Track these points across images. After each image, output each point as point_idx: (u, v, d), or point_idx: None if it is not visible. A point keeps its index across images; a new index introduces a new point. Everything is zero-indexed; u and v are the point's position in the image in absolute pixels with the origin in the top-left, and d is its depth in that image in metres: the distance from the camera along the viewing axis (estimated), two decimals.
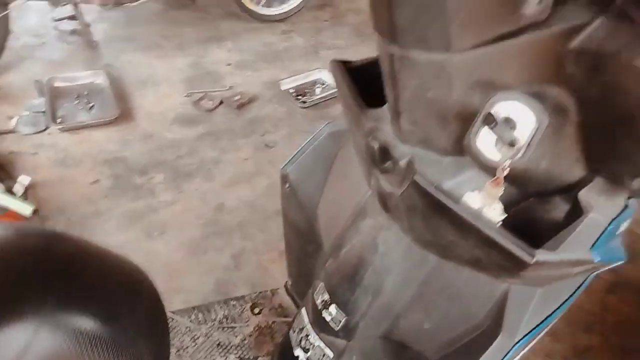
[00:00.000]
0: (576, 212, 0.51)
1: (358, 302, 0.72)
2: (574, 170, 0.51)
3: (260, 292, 1.49)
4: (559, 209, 0.55)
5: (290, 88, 2.46)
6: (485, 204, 0.52)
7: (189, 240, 1.71)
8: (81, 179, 1.90)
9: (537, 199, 0.56)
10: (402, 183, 0.57)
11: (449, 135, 0.54)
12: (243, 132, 2.20)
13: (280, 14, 2.97)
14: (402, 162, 0.57)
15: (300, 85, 2.50)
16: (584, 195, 0.51)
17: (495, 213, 0.51)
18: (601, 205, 0.51)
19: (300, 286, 1.07)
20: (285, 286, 1.17)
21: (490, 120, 0.48)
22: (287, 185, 0.93)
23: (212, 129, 2.19)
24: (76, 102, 2.20)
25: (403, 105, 0.54)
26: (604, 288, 1.76)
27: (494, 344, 0.56)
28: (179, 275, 1.58)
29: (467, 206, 0.53)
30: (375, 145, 0.60)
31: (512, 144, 0.48)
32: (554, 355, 1.50)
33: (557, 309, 0.61)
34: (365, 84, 0.67)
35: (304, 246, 0.96)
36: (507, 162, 0.47)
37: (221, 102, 2.33)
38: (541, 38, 0.43)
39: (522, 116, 0.47)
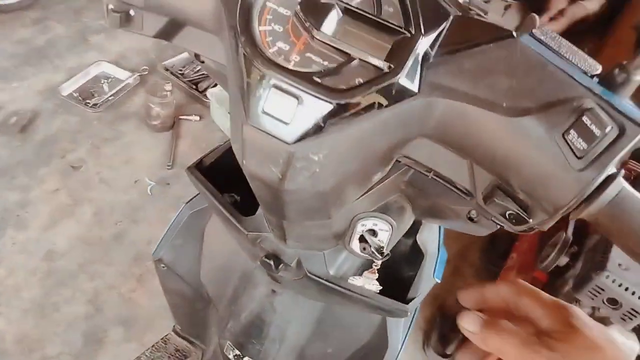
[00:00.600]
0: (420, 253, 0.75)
1: (267, 350, 0.87)
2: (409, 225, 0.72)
3: (153, 346, 1.51)
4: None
5: (73, 92, 2.24)
6: (365, 283, 0.71)
7: (33, 304, 1.59)
8: None
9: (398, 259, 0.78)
10: (294, 276, 0.72)
11: (328, 245, 0.69)
12: (39, 160, 1.97)
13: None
14: (293, 264, 0.71)
15: (83, 85, 2.28)
16: (419, 239, 0.75)
17: (374, 287, 0.70)
18: (431, 240, 0.76)
19: (193, 329, 1.16)
20: (175, 330, 1.25)
21: (361, 238, 0.65)
22: (162, 266, 0.98)
23: None
24: None
25: (288, 236, 0.67)
26: None
27: (386, 355, 0.80)
28: (39, 345, 1.49)
29: (352, 285, 0.72)
30: (263, 254, 0.72)
31: (378, 248, 0.66)
32: None
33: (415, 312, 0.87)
34: (219, 171, 0.76)
35: (192, 304, 1.05)
36: (379, 262, 0.66)
37: None
38: (387, 183, 0.60)
39: (380, 226, 0.65)
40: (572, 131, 0.39)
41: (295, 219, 0.61)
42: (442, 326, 1.79)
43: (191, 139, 2.20)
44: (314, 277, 0.70)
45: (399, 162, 0.58)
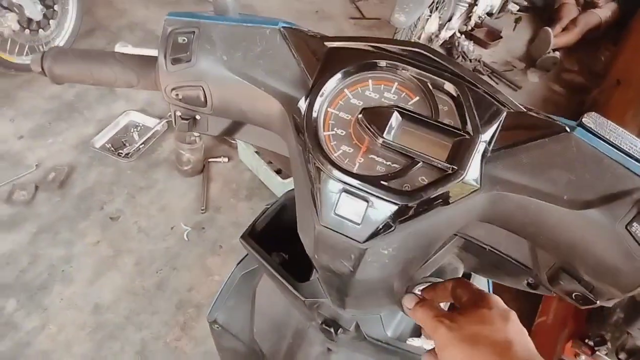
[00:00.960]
0: None
1: None
2: None
3: None
4: None
5: (105, 143, 2.32)
6: (423, 343, 0.73)
7: (83, 358, 1.63)
8: None
9: None
10: (352, 339, 0.74)
11: (385, 309, 0.72)
12: (79, 214, 2.05)
13: None
14: (351, 328, 0.74)
15: (115, 136, 2.36)
16: None
17: (431, 346, 0.73)
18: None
19: None
20: None
21: None
22: (217, 327, 1.01)
23: (42, 223, 1.99)
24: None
25: (347, 304, 0.70)
26: None
27: None
28: None
29: (411, 345, 0.73)
30: (321, 319, 0.75)
31: None
32: None
33: None
34: (269, 232, 0.79)
35: (246, 357, 1.08)
36: None
37: (37, 188, 2.09)
38: (442, 252, 0.63)
39: None
40: (635, 224, 0.42)
41: (359, 296, 0.64)
42: None
43: (222, 181, 2.25)
44: (372, 339, 0.72)
45: (456, 235, 0.60)
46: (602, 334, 1.36)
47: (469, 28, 3.20)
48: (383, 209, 0.45)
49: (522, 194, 0.45)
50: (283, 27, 0.55)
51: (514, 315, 0.48)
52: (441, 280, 0.64)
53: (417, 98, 0.48)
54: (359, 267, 0.48)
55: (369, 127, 0.46)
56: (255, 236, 0.82)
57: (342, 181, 0.46)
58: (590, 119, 0.47)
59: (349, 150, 0.48)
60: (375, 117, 0.46)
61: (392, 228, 0.45)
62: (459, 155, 0.44)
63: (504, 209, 0.47)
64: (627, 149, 0.45)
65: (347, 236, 0.47)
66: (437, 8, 2.71)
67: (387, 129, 0.46)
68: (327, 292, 0.68)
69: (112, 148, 2.30)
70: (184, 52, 0.54)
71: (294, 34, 0.54)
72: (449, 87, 0.47)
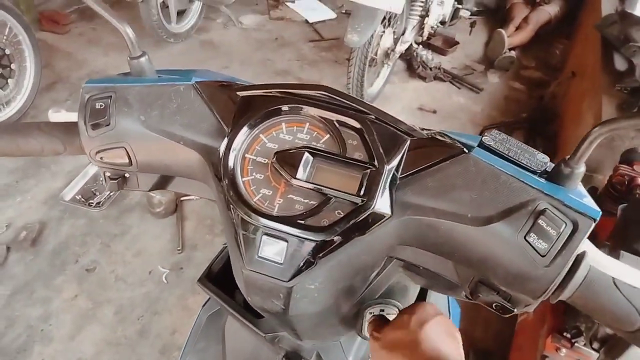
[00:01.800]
0: None
1: None
2: None
3: None
4: None
5: (75, 195, 2.30)
6: None
7: None
8: None
9: None
10: None
11: (341, 336, 0.73)
12: (54, 269, 2.02)
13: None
14: (312, 358, 0.75)
15: (84, 186, 2.35)
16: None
17: None
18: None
19: None
20: None
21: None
22: None
23: (16, 283, 1.96)
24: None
25: (302, 335, 0.71)
26: None
27: None
28: None
29: None
30: (283, 353, 0.76)
31: None
32: None
33: None
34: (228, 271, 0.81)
35: None
36: None
37: (9, 249, 2.07)
38: (385, 272, 0.64)
39: (387, 310, 0.68)
40: (532, 234, 0.44)
41: (309, 329, 0.65)
42: None
43: (196, 219, 2.25)
44: None
45: (392, 257, 0.62)
46: (577, 325, 1.38)
47: (424, 38, 3.28)
48: (302, 246, 0.47)
49: (431, 217, 0.47)
50: (196, 82, 0.57)
51: (437, 318, 0.52)
52: (391, 300, 0.65)
53: (327, 136, 0.51)
54: (289, 305, 0.50)
55: (282, 169, 0.48)
56: (212, 278, 0.83)
57: (261, 225, 0.48)
58: (491, 137, 0.50)
59: (268, 192, 0.50)
60: (288, 159, 0.49)
61: (314, 264, 0.47)
62: (367, 187, 0.47)
63: (418, 232, 0.49)
64: (524, 163, 0.48)
65: (272, 277, 0.48)
66: (389, 24, 2.78)
67: (300, 169, 0.48)
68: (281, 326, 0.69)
69: (83, 199, 2.29)
70: (102, 117, 0.56)
71: (207, 87, 0.57)
72: (353, 122, 0.50)
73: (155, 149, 0.57)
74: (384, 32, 2.75)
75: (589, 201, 0.45)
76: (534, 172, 0.47)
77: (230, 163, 0.51)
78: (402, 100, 3.26)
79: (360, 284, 0.60)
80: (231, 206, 0.50)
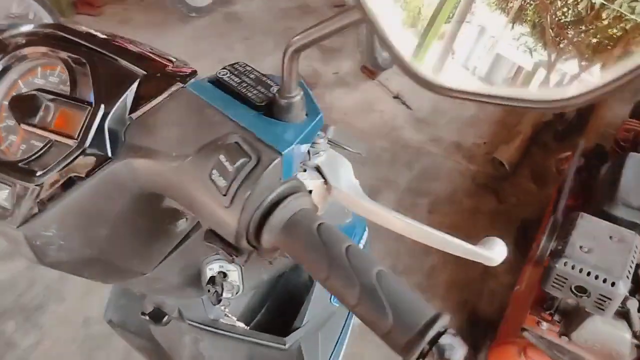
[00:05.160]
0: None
1: None
2: None
3: None
4: None
5: None
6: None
7: None
8: None
9: None
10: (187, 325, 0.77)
11: (190, 293, 0.73)
12: None
13: None
14: (174, 314, 0.76)
15: None
16: None
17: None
18: None
19: None
20: None
21: (210, 280, 0.67)
22: (115, 327, 1.05)
23: None
24: None
25: (145, 290, 0.72)
26: (425, 211, 2.16)
27: None
28: None
29: (224, 324, 0.75)
30: (151, 308, 0.78)
31: (231, 288, 0.68)
32: None
33: (340, 336, 0.87)
34: None
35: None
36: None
37: None
38: None
39: (227, 267, 0.67)
40: (214, 171, 0.40)
41: (148, 287, 0.65)
42: (472, 335, 1.72)
43: None
44: (192, 322, 0.74)
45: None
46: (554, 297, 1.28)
47: None
48: (27, 192, 0.46)
49: (145, 158, 0.45)
50: None
51: None
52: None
53: (64, 76, 0.49)
54: (36, 252, 0.50)
55: (16, 113, 0.48)
56: None
57: None
58: (229, 69, 0.47)
59: (14, 138, 0.50)
60: (22, 103, 0.48)
61: (37, 209, 0.47)
62: (85, 128, 0.45)
63: (145, 176, 0.47)
64: (249, 96, 0.44)
65: (3, 223, 0.48)
66: None
67: (34, 112, 0.47)
68: None
69: None
70: None
71: None
72: (81, 59, 0.48)
73: None
74: None
75: (292, 135, 0.41)
76: (254, 107, 0.44)
77: None
78: None
79: (150, 237, 0.58)
80: None
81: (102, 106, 0.45)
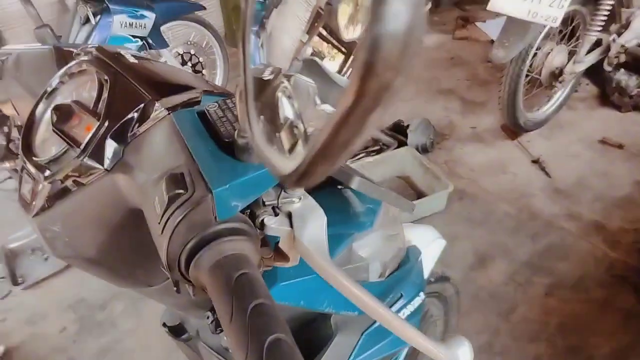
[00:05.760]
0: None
1: None
2: None
3: None
4: None
5: None
6: None
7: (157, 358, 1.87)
8: (50, 331, 2.07)
9: None
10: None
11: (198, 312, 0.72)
12: None
13: None
14: (193, 333, 0.76)
15: None
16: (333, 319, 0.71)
17: None
18: None
19: None
20: None
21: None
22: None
23: None
24: (32, 257, 2.39)
25: (164, 303, 0.73)
26: (541, 292, 1.90)
27: None
28: None
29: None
30: (175, 322, 0.79)
31: None
32: None
33: None
34: None
35: None
36: None
37: None
38: None
39: None
40: (156, 198, 0.43)
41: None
42: None
43: None
44: (205, 346, 0.73)
45: None
46: None
47: (612, 60, 2.73)
48: (42, 188, 0.51)
49: (129, 175, 0.48)
50: (55, 46, 0.67)
51: None
52: None
53: (96, 89, 0.54)
54: (46, 243, 0.54)
55: (53, 119, 0.53)
56: None
57: (23, 165, 0.54)
58: (219, 103, 0.48)
59: (51, 141, 0.56)
60: (60, 111, 0.54)
61: (47, 205, 0.51)
62: (90, 139, 0.49)
63: (128, 192, 0.49)
64: (221, 131, 0.46)
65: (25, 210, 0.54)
66: (562, 40, 2.44)
67: (66, 120, 0.53)
68: None
69: None
70: None
71: (61, 51, 0.66)
72: (106, 79, 0.52)
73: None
74: (551, 49, 2.42)
75: (233, 175, 0.42)
76: (223, 143, 0.44)
77: (38, 112, 0.58)
78: (581, 129, 2.79)
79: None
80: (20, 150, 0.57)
81: (107, 122, 0.49)
